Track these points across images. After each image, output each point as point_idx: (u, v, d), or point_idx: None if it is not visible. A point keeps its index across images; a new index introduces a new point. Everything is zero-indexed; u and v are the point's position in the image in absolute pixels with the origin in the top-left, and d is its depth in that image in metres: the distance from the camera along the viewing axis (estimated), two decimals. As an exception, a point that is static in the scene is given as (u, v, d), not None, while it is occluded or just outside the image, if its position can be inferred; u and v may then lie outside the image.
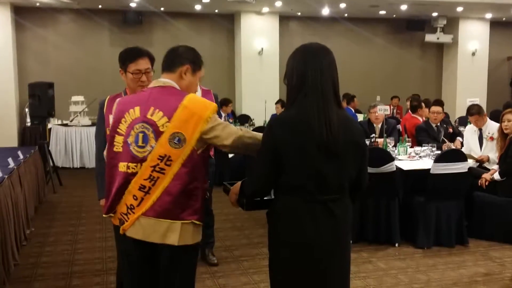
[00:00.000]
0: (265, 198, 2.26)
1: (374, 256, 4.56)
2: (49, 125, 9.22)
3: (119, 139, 2.31)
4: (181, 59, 2.38)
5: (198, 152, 2.25)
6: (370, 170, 4.71)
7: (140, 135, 2.25)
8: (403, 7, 10.74)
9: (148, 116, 2.25)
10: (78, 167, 9.25)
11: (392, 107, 11.46)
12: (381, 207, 4.84)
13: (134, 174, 2.26)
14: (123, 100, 2.41)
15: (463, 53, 12.46)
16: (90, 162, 9.26)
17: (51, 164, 7.69)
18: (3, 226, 3.99)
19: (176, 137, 2.21)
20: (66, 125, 9.48)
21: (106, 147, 2.43)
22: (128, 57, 2.93)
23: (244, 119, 9.63)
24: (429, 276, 4.08)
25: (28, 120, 9.66)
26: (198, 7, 10.54)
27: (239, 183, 2.30)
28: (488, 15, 12.09)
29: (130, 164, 2.26)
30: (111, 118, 2.46)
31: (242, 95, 11.16)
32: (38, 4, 9.88)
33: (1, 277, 3.72)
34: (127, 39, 10.64)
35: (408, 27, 12.49)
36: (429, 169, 4.74)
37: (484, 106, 11.75)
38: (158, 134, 2.23)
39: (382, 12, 11.64)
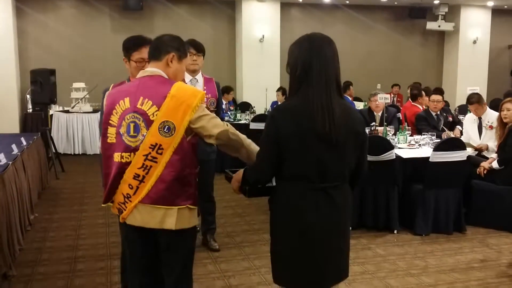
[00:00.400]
0: (267, 185, 2.32)
1: (373, 242, 4.63)
2: (51, 112, 9.25)
3: (112, 131, 2.37)
4: (167, 47, 2.43)
5: (187, 139, 2.33)
6: (370, 158, 4.76)
7: (132, 125, 2.30)
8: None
9: (138, 106, 2.30)
10: (80, 153, 9.30)
11: (392, 95, 11.48)
12: (380, 195, 4.90)
13: (128, 164, 2.32)
14: (113, 92, 2.45)
15: (464, 41, 12.44)
16: (92, 149, 9.33)
17: (53, 150, 7.73)
18: (8, 211, 4.05)
19: (166, 125, 2.27)
20: (67, 111, 9.51)
21: (100, 139, 2.49)
22: (131, 45, 2.96)
23: (245, 107, 9.66)
24: (427, 262, 4.16)
25: (30, 106, 9.69)
26: (199, -6, 10.52)
27: (241, 170, 2.35)
28: (490, 3, 12.06)
29: (123, 154, 2.32)
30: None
31: (243, 82, 11.18)
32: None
33: (7, 261, 3.79)
34: (128, 25, 10.66)
35: (410, 15, 12.45)
36: (428, 158, 4.80)
37: (484, 95, 11.83)
38: (148, 123, 2.28)
39: (385, 0, 11.61)
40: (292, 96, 2.19)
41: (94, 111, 9.49)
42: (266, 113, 8.57)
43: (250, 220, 5.30)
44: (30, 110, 9.67)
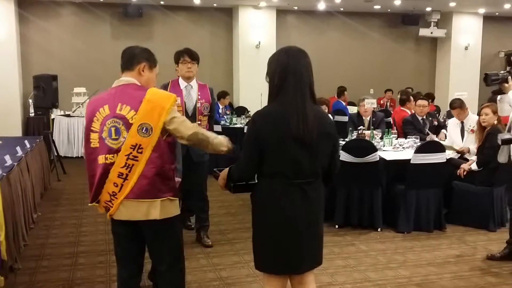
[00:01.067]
0: (249, 182, 2.60)
1: (357, 239, 4.91)
2: (52, 116, 9.54)
3: (94, 136, 2.63)
4: (138, 58, 2.74)
5: (164, 138, 2.62)
6: (355, 159, 5.07)
7: (113, 129, 2.57)
8: (397, 2, 11.02)
9: (118, 111, 2.58)
10: (80, 156, 9.57)
11: (386, 100, 11.79)
12: (365, 194, 5.18)
13: (112, 164, 2.60)
14: (93, 101, 2.72)
15: (456, 47, 12.76)
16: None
17: (55, 153, 8.01)
18: (13, 209, 4.32)
19: (144, 127, 2.55)
20: (68, 115, 9.79)
21: (84, 144, 2.75)
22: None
23: (241, 111, 9.93)
24: (406, 257, 4.44)
25: (32, 110, 9.97)
26: (197, 1, 10.81)
27: (227, 169, 2.64)
28: (481, 10, 12.38)
29: (107, 155, 2.60)
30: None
31: (239, 87, 11.48)
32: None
33: (13, 256, 4.06)
34: (128, 32, 10.98)
35: (403, 22, 12.77)
36: (410, 160, 5.08)
37: (476, 100, 12.14)
38: (128, 126, 2.56)
39: (377, 7, 11.92)
40: (271, 102, 2.48)
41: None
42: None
43: (242, 219, 5.57)
44: (32, 114, 9.95)
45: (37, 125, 9.82)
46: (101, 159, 2.61)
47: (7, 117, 9.88)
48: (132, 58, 2.71)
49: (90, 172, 2.68)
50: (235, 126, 8.52)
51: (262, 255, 2.56)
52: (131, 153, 2.56)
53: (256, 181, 2.56)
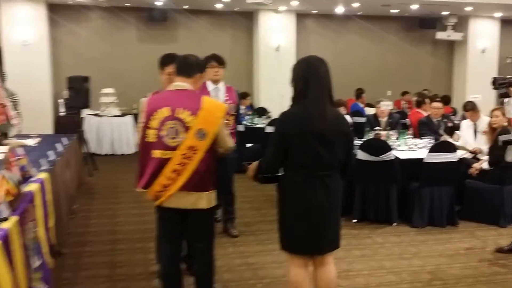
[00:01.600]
0: (276, 174, 2.98)
1: (373, 232, 5.25)
2: (82, 115, 10.02)
3: (150, 132, 3.00)
4: (196, 68, 3.14)
5: (213, 142, 3.02)
6: (372, 158, 5.41)
7: (172, 129, 2.95)
8: (414, 6, 11.29)
9: (177, 115, 2.96)
10: (109, 153, 10.05)
11: (403, 102, 12.05)
12: (381, 191, 5.52)
13: (167, 160, 2.97)
14: (152, 101, 3.09)
15: (473, 51, 12.95)
16: (120, 149, 10.10)
17: (87, 150, 8.48)
18: (59, 200, 4.76)
19: (201, 132, 2.94)
20: (97, 115, 10.29)
21: (139, 137, 3.12)
22: (165, 61, 3.67)
23: (261, 112, 10.29)
24: (419, 249, 4.77)
25: (62, 110, 10.47)
26: (219, 5, 11.22)
27: (257, 162, 3.03)
28: (498, 14, 12.56)
29: (164, 151, 2.97)
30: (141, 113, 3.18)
31: (260, 89, 11.86)
32: (70, 1, 10.68)
33: (59, 242, 4.49)
34: (153, 36, 11.45)
35: (420, 25, 13.00)
36: (424, 159, 5.40)
37: (493, 102, 12.31)
38: (186, 129, 2.94)
39: (395, 11, 12.20)
40: (295, 105, 2.88)
41: (122, 114, 10.26)
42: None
43: (265, 213, 5.95)
44: (62, 114, 10.45)
45: (68, 124, 10.30)
46: (157, 153, 2.98)
47: (38, 116, 10.37)
48: (192, 67, 3.11)
49: (143, 163, 3.05)
50: (256, 126, 8.87)
51: (287, 238, 2.95)
52: (186, 153, 2.94)
53: (282, 173, 2.95)
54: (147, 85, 11.33)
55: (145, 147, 3.05)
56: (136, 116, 10.19)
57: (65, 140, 6.58)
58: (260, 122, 9.16)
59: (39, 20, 10.51)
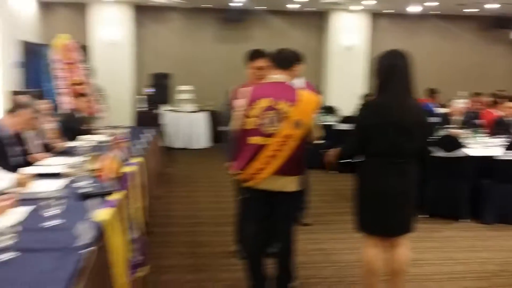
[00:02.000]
0: (353, 161, 3.23)
1: (443, 227, 5.35)
2: (161, 110, 10.66)
3: (249, 120, 3.26)
4: (294, 60, 3.36)
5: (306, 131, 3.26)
6: (444, 154, 5.50)
7: (271, 118, 3.19)
8: (489, 6, 11.03)
9: (277, 105, 3.20)
10: (183, 147, 10.60)
11: (476, 102, 11.78)
12: (453, 187, 5.59)
13: (264, 146, 3.22)
14: (253, 92, 3.33)
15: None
16: (194, 144, 10.64)
17: (165, 143, 9.06)
18: (149, 184, 5.23)
19: (297, 122, 3.18)
20: (174, 110, 10.90)
21: (235, 124, 3.39)
22: (252, 56, 3.98)
23: (331, 110, 10.46)
24: (488, 244, 4.85)
25: (142, 105, 11.16)
26: (293, 6, 11.52)
27: (337, 149, 3.29)
28: None
29: (262, 138, 3.22)
30: (238, 102, 3.48)
31: (330, 87, 12.05)
32: (154, 3, 11.37)
33: (150, 222, 4.96)
34: (228, 35, 11.93)
35: (495, 25, 12.65)
36: (496, 156, 5.42)
37: None
38: (283, 118, 3.18)
39: (469, 10, 11.96)
40: (377, 95, 3.11)
41: (197, 110, 10.81)
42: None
43: (335, 206, 6.19)
44: (143, 109, 11.14)
45: (147, 118, 10.98)
46: (254, 140, 3.23)
47: (120, 111, 11.12)
48: (289, 59, 3.33)
49: (239, 148, 3.32)
50: (326, 123, 9.03)
51: (364, 219, 3.20)
52: (282, 140, 3.17)
53: (359, 160, 3.20)
54: (222, 83, 11.85)
55: (242, 133, 3.30)
56: (212, 112, 10.76)
57: (148, 132, 7.14)
58: (330, 120, 9.34)
59: (126, 20, 11.30)
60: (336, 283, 3.91)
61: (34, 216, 2.58)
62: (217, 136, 11.20)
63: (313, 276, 4.00)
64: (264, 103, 3.23)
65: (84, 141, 5.59)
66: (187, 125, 10.76)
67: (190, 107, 10.89)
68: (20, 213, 2.65)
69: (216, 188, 7.00)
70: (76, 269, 1.97)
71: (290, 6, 11.50)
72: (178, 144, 10.67)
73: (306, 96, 3.26)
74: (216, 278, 3.94)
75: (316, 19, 12.39)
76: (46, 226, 2.46)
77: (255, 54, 4.00)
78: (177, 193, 6.76)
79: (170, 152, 9.05)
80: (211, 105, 11.28)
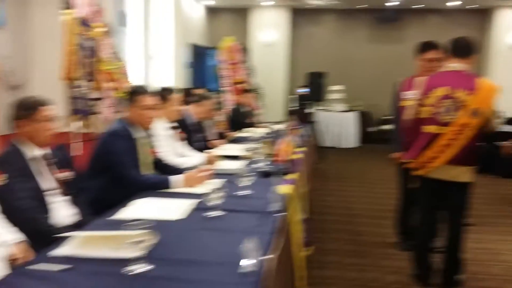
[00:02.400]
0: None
1: None
2: (312, 109, 10.98)
3: (424, 109, 3.30)
4: (474, 49, 3.32)
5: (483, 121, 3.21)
6: None
7: (448, 107, 3.21)
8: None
9: (454, 94, 3.20)
10: (332, 146, 10.76)
11: None
12: None
13: (439, 135, 3.24)
14: (429, 81, 3.37)
15: None
16: (343, 143, 10.77)
17: (316, 141, 9.33)
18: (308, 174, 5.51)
19: (476, 111, 3.15)
20: (325, 109, 11.14)
21: (409, 113, 3.43)
22: (422, 48, 4.00)
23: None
24: None
25: (294, 105, 11.58)
26: (453, 4, 11.05)
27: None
28: None
29: (437, 127, 3.25)
30: (409, 93, 3.54)
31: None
32: (310, 5, 11.76)
33: (309, 209, 5.24)
34: (383, 36, 11.87)
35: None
36: None
37: None
38: (461, 107, 3.18)
39: None
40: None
41: (348, 110, 10.93)
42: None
43: (499, 209, 5.91)
44: (294, 107, 11.55)
45: (300, 116, 11.37)
46: (429, 128, 3.29)
47: (272, 109, 11.70)
48: (469, 48, 3.33)
49: (410, 136, 3.41)
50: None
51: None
52: (458, 130, 3.18)
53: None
54: (373, 83, 11.85)
55: (416, 122, 3.36)
56: (361, 112, 10.83)
57: (307, 129, 7.46)
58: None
59: (283, 23, 11.90)
60: (507, 281, 3.79)
61: (228, 186, 2.97)
62: (366, 136, 11.22)
63: (480, 272, 3.92)
64: (440, 92, 3.26)
65: (250, 133, 6.10)
66: (336, 124, 10.93)
67: (340, 106, 11.05)
68: (216, 183, 3.06)
69: (369, 185, 7.08)
70: (274, 227, 2.27)
71: (450, 4, 11.05)
72: (327, 142, 10.88)
73: (487, 84, 3.22)
74: (378, 264, 4.05)
75: (478, 18, 11.72)
76: (240, 195, 2.83)
77: (427, 46, 4.03)
78: (331, 186, 6.97)
79: (320, 150, 9.29)
80: (361, 105, 11.35)
